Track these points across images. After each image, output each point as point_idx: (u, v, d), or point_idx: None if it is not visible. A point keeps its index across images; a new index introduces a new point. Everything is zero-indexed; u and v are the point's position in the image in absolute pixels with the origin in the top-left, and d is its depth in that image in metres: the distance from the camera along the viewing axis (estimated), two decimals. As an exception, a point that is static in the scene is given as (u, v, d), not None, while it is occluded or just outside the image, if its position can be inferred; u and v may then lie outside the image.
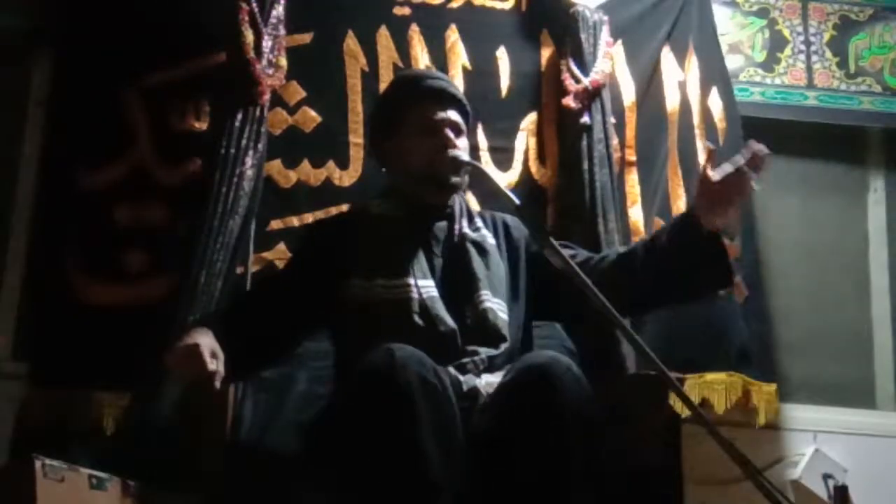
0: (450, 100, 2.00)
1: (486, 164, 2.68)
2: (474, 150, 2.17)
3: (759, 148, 1.78)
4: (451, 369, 1.74)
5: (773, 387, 2.86)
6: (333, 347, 2.00)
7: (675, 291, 1.94)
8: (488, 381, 1.75)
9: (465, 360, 1.79)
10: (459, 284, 1.90)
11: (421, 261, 1.90)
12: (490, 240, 1.99)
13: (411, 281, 1.86)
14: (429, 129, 1.96)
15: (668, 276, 1.87)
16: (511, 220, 2.06)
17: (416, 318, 1.82)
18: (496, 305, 1.88)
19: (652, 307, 2.19)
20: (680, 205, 2.83)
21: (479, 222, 2.01)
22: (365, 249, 1.92)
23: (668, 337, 2.63)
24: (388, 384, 1.56)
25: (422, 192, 1.97)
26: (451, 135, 1.95)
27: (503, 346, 1.84)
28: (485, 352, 1.81)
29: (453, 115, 1.98)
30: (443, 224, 1.98)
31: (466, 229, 1.98)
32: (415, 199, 1.97)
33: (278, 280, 2.11)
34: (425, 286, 1.86)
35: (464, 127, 2.01)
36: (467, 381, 1.74)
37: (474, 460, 1.60)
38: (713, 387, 2.74)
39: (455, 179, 1.94)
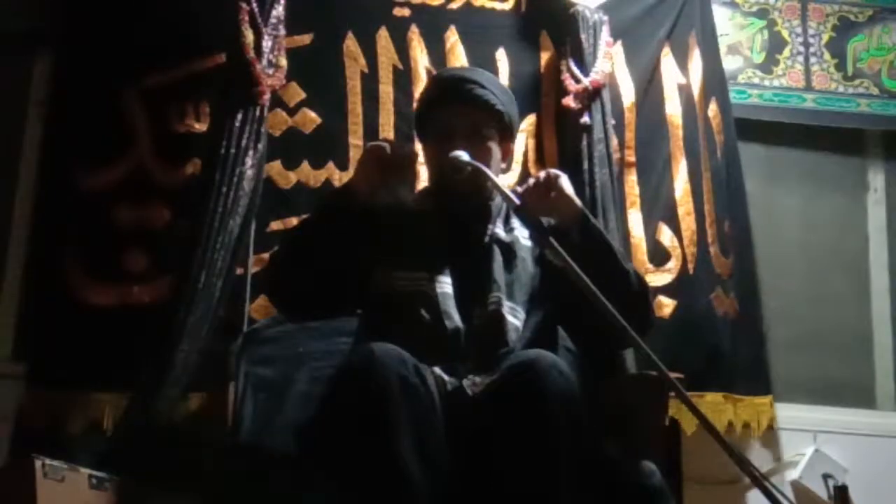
0: (472, 101, 1.95)
1: (486, 164, 2.68)
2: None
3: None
4: (437, 369, 1.73)
5: (767, 399, 2.87)
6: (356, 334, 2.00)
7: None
8: (475, 381, 1.74)
9: (457, 362, 1.78)
10: (476, 285, 1.88)
11: (444, 258, 1.89)
12: (524, 241, 1.96)
13: (429, 276, 1.86)
14: (438, 136, 1.96)
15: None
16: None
17: (424, 312, 1.82)
18: (506, 309, 1.86)
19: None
20: (686, 209, 2.83)
21: (515, 223, 1.98)
22: (397, 239, 1.92)
23: (667, 353, 2.62)
24: (366, 385, 1.55)
25: (443, 196, 1.97)
26: (454, 142, 1.90)
27: (502, 353, 1.81)
28: (479, 356, 1.79)
29: (472, 118, 1.94)
30: (479, 225, 1.96)
31: (499, 230, 1.96)
32: (445, 201, 1.97)
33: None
34: (441, 283, 1.86)
35: (482, 129, 1.94)
36: (452, 381, 1.73)
37: (461, 458, 1.60)
38: (715, 408, 2.75)
39: (460, 178, 1.91)
